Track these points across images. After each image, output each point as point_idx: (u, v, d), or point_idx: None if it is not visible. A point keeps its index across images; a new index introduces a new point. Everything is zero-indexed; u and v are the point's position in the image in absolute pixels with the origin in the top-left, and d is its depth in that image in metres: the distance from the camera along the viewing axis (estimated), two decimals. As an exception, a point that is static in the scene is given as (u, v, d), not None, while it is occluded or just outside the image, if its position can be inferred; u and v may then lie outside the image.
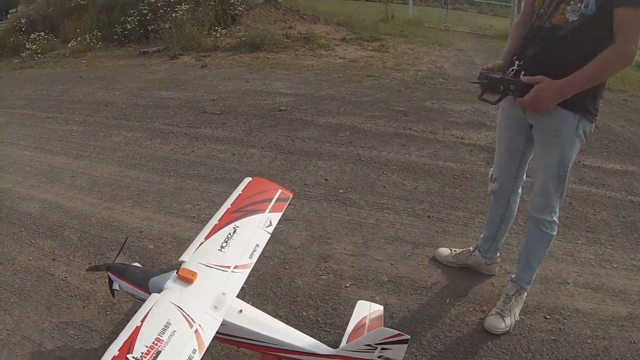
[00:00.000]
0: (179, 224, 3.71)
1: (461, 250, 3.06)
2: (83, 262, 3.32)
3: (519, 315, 2.59)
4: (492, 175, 2.69)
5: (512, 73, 2.20)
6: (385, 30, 11.10)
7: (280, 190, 2.70)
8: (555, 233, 2.47)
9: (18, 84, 9.59)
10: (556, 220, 2.44)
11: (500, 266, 3.01)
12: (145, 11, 11.58)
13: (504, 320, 2.53)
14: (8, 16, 16.26)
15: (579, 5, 1.97)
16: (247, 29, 10.67)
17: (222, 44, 10.22)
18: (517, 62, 2.21)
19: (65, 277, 3.20)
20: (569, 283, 2.91)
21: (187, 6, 10.93)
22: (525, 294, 2.64)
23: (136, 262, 2.53)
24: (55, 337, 2.68)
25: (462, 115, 5.75)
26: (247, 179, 2.71)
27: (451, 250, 3.10)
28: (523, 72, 2.15)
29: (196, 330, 1.84)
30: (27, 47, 12.71)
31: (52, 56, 12.04)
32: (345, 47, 9.63)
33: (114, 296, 2.53)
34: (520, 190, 2.68)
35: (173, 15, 10.82)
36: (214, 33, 10.57)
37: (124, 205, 4.08)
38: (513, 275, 2.66)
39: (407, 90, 6.53)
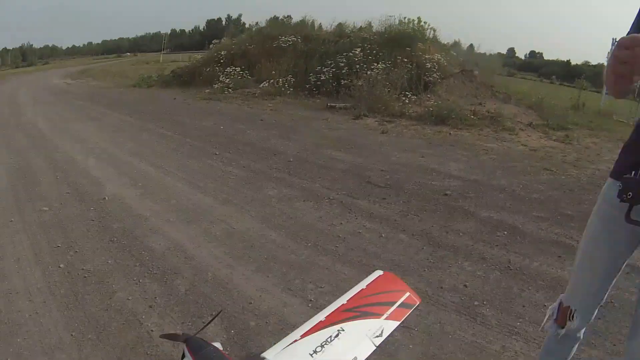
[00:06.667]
0: (292, 305, 3.28)
1: None
2: (177, 320, 3.06)
3: None
4: (570, 308, 1.88)
5: None
6: (574, 119, 10.23)
7: (407, 294, 2.14)
8: None
9: (200, 114, 10.27)
10: None
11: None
12: (342, 64, 11.81)
13: None
14: (211, 46, 17.90)
15: None
16: (437, 99, 10.37)
17: (408, 111, 10.04)
18: None
19: (152, 330, 2.96)
20: None
21: (384, 65, 10.92)
22: None
23: (217, 342, 2.11)
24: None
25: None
26: (378, 272, 2.23)
27: None
28: None
29: None
30: (221, 79, 13.70)
31: (242, 93, 12.81)
32: (529, 134, 9.04)
33: None
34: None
35: (368, 72, 10.86)
36: (403, 98, 10.41)
37: (247, 267, 3.79)
38: None
39: (579, 191, 5.63)
